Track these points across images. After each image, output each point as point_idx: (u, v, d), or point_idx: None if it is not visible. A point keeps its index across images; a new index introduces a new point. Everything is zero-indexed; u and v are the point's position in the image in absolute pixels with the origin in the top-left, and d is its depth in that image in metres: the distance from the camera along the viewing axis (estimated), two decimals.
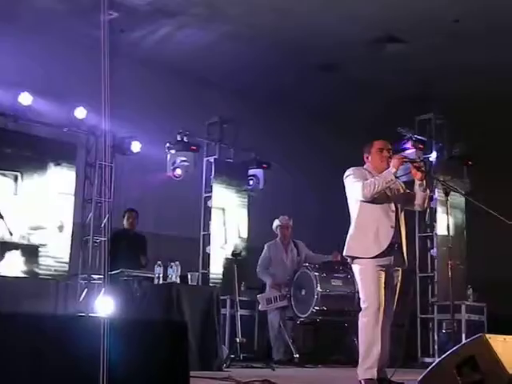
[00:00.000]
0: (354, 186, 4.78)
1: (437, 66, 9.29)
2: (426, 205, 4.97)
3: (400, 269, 4.83)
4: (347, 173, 4.90)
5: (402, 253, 4.79)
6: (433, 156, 9.17)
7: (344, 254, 4.86)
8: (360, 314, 4.71)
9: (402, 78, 9.69)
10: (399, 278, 4.83)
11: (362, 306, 4.70)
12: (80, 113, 7.51)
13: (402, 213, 4.90)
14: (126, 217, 8.06)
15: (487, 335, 3.27)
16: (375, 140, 4.98)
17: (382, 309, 4.62)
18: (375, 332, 4.60)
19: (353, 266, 4.81)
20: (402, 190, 4.92)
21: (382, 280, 4.68)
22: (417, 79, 9.79)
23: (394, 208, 4.79)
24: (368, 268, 4.66)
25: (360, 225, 4.78)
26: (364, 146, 5.02)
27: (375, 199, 4.71)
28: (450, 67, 9.32)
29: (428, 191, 4.90)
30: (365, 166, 4.97)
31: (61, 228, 7.44)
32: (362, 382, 4.59)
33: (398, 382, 4.62)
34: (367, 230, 4.73)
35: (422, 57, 9.09)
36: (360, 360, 4.65)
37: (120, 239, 7.71)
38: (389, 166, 4.73)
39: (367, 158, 4.96)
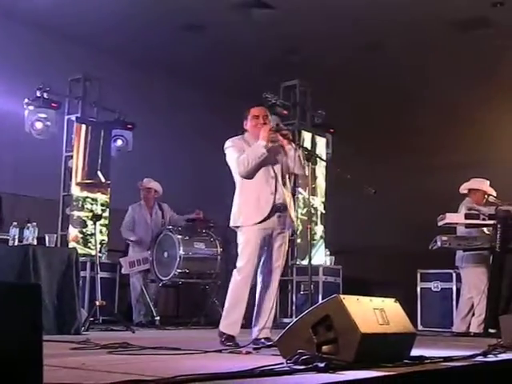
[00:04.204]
0: (233, 161, 4.87)
1: (304, 33, 9.41)
2: (304, 168, 4.93)
3: (286, 231, 4.90)
4: (226, 144, 4.96)
5: (288, 216, 4.87)
6: (296, 122, 9.37)
7: (230, 225, 4.93)
8: (234, 271, 4.83)
9: (269, 43, 9.75)
10: (285, 240, 4.91)
11: (238, 264, 4.82)
12: None
13: (286, 176, 4.95)
14: None
15: (341, 296, 3.38)
16: (252, 107, 5.01)
17: (253, 272, 4.77)
18: (243, 292, 4.77)
19: (237, 231, 4.88)
20: (283, 154, 4.91)
21: (262, 245, 4.79)
22: (284, 45, 9.89)
23: (273, 174, 4.86)
24: (251, 232, 4.77)
25: (242, 195, 4.87)
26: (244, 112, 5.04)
27: (251, 172, 4.79)
28: (318, 35, 9.46)
29: (300, 153, 4.89)
30: (245, 135, 5.00)
31: None
32: (222, 334, 4.73)
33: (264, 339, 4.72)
34: (249, 199, 4.82)
35: (289, 23, 9.16)
36: (224, 313, 4.82)
37: None
38: None
39: (246, 124, 5.00)
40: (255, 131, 4.89)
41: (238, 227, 4.87)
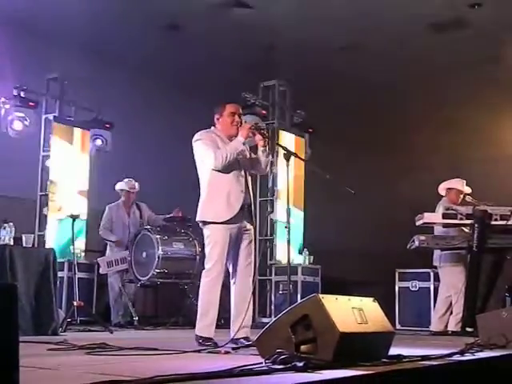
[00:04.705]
0: (206, 154, 4.81)
1: (283, 33, 9.41)
2: (267, 169, 5.15)
3: (251, 228, 4.92)
4: (196, 137, 4.90)
5: (251, 214, 4.92)
6: (275, 122, 9.38)
7: (196, 219, 4.89)
8: (203, 273, 4.82)
9: (248, 43, 9.73)
10: (252, 237, 4.93)
11: (206, 266, 4.81)
12: None
13: (250, 176, 4.99)
14: None
15: (320, 295, 3.38)
16: (228, 103, 4.99)
17: (223, 273, 4.77)
18: (214, 294, 4.75)
19: (204, 229, 4.86)
20: (248, 155, 4.97)
21: (231, 243, 4.78)
22: (263, 45, 9.88)
23: (243, 173, 4.88)
24: (219, 232, 4.75)
25: (211, 190, 4.82)
26: (215, 107, 5.01)
27: (226, 167, 4.76)
28: (297, 35, 9.46)
29: (270, 156, 5.04)
30: (213, 129, 4.98)
31: None
32: (199, 337, 4.70)
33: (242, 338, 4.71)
34: (219, 195, 4.79)
35: (268, 23, 9.16)
36: (198, 316, 4.79)
37: None
38: (238, 131, 4.80)
39: (217, 119, 4.97)
40: (231, 128, 4.90)
41: (205, 223, 4.83)
